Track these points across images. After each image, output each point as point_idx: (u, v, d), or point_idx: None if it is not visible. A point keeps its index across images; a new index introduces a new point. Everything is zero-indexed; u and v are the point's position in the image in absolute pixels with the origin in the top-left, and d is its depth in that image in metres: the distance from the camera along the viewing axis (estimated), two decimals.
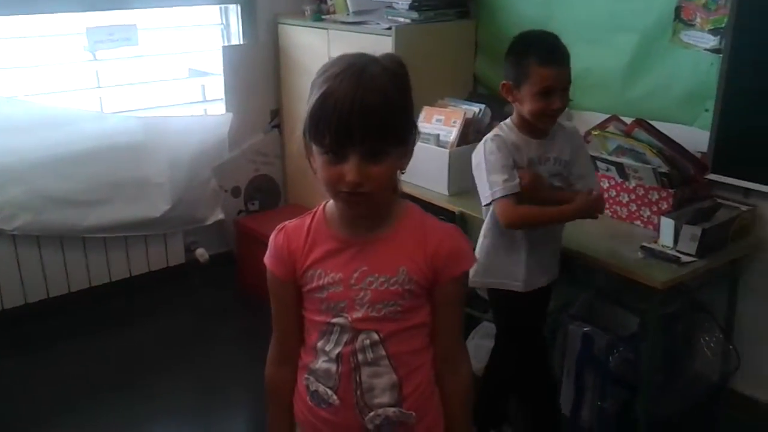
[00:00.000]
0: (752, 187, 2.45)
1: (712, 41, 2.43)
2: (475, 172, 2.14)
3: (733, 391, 2.68)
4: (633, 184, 2.54)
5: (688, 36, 2.50)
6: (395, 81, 1.24)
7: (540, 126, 2.08)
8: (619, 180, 2.58)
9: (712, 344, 2.65)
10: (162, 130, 3.43)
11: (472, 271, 1.99)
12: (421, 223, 1.36)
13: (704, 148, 2.51)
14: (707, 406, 2.68)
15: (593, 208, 2.12)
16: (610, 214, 2.63)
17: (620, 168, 2.55)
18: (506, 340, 2.35)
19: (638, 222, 2.57)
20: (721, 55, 2.40)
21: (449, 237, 1.35)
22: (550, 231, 2.19)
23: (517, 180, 2.04)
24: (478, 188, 2.14)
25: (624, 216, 2.61)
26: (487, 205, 2.12)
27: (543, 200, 2.08)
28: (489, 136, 2.12)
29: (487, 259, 2.20)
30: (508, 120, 2.14)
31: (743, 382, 2.66)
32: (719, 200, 2.50)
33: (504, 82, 2.06)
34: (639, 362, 2.46)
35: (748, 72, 2.34)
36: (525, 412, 2.53)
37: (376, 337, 1.33)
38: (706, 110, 2.48)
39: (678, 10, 2.51)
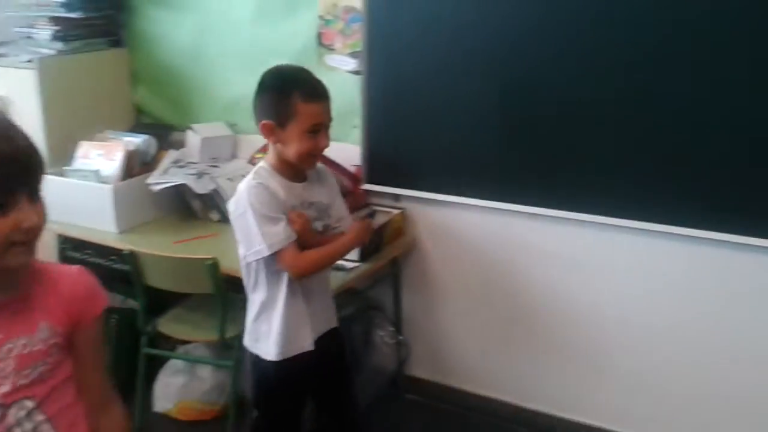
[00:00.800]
0: (401, 193, 2.76)
1: (352, 63, 2.68)
2: (236, 223, 1.92)
3: (408, 376, 2.99)
4: None
5: (332, 59, 2.73)
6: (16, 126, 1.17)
7: (305, 167, 1.95)
8: None
9: (386, 338, 2.92)
10: None
11: (248, 339, 2.03)
12: (44, 270, 1.26)
13: (358, 161, 2.76)
14: (390, 393, 2.95)
15: (366, 234, 2.08)
16: None
17: None
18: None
19: None
20: (361, 76, 2.66)
21: (81, 277, 1.30)
22: (323, 273, 2.07)
23: (290, 226, 1.88)
24: (242, 240, 1.92)
25: None
26: (258, 259, 1.90)
27: (312, 245, 1.94)
28: (249, 183, 1.89)
29: (264, 322, 1.98)
30: (263, 163, 1.95)
31: (416, 367, 2.97)
32: (375, 207, 2.77)
33: (265, 121, 1.86)
34: None
35: (383, 90, 2.64)
36: None
37: (30, 404, 1.22)
38: (355, 127, 2.73)
39: (320, 36, 2.73)
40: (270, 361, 1.97)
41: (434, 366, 2.94)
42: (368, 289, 2.78)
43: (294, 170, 1.94)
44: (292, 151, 1.87)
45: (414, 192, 2.72)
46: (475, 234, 2.69)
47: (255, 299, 1.99)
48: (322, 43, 2.73)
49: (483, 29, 2.40)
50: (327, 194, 2.04)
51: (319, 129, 1.87)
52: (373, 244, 2.55)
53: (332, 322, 2.11)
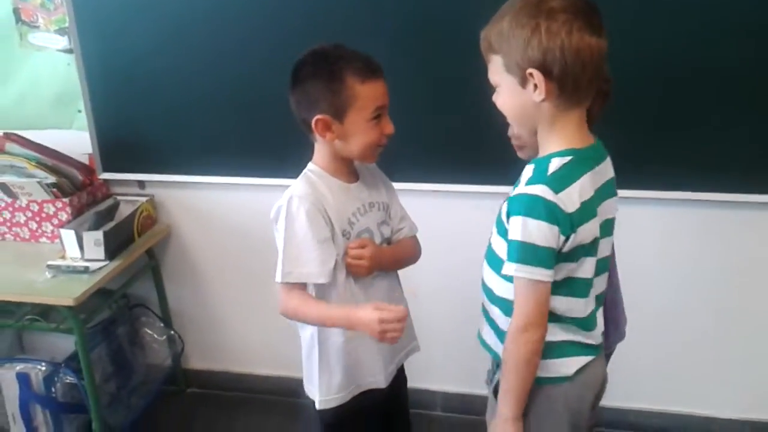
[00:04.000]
0: (146, 179, 2.52)
1: (61, 41, 2.35)
2: (278, 232, 1.55)
3: (186, 369, 2.80)
4: (24, 201, 2.36)
5: (37, 38, 2.37)
6: None
7: (369, 162, 1.62)
8: (9, 200, 2.37)
9: (156, 335, 2.70)
10: None
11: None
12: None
13: (89, 149, 2.47)
14: (171, 390, 2.76)
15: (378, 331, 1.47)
16: (13, 237, 2.42)
17: (5, 187, 2.34)
18: None
19: (45, 239, 2.41)
20: (74, 55, 2.35)
21: None
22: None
23: (332, 262, 1.52)
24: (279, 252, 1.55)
25: (28, 237, 2.42)
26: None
27: (386, 266, 1.64)
28: (298, 190, 1.52)
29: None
30: (311, 165, 1.59)
31: (194, 359, 2.80)
32: (119, 197, 2.51)
33: (319, 116, 1.48)
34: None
35: (104, 68, 2.35)
36: None
37: None
38: (79, 111, 2.42)
39: (17, 11, 2.35)
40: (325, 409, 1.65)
41: (212, 355, 2.77)
42: (126, 286, 2.53)
43: (349, 168, 1.61)
44: (356, 145, 1.52)
45: (161, 176, 2.49)
46: (233, 213, 2.53)
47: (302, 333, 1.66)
48: (23, 20, 2.36)
49: None
50: (385, 191, 1.69)
51: (383, 112, 1.52)
52: (122, 238, 2.32)
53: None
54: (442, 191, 2.26)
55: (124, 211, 2.44)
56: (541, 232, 1.26)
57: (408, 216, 1.72)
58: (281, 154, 2.32)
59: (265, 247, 2.55)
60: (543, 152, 1.35)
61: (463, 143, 2.18)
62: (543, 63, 1.24)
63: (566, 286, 1.34)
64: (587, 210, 1.30)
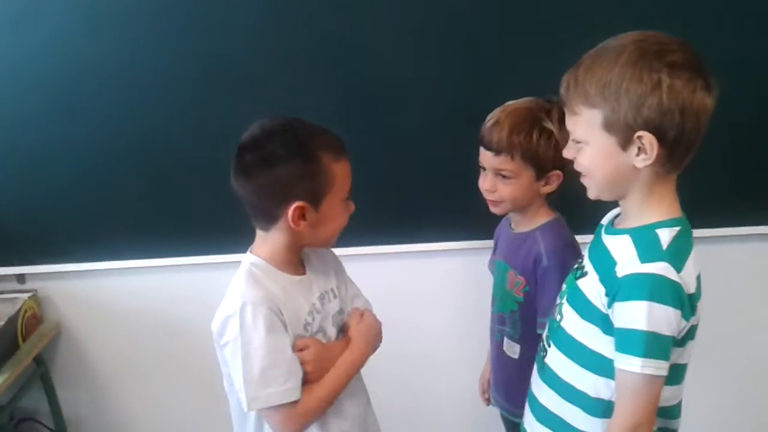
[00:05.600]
0: (26, 271, 2.19)
1: None
2: (227, 348, 1.29)
3: None
4: None
5: None
6: None
7: (328, 247, 1.43)
8: None
9: None
10: None
11: None
12: None
13: None
14: None
15: (374, 329, 1.44)
16: None
17: None
18: None
19: None
20: None
21: None
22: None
23: (300, 374, 1.29)
24: (233, 373, 1.30)
25: None
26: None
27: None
28: (246, 293, 1.27)
29: None
30: (253, 258, 1.33)
31: None
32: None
33: (298, 203, 1.26)
34: None
35: None
36: None
37: None
38: None
39: None
40: None
41: None
42: (14, 402, 2.16)
43: (298, 258, 1.38)
44: (327, 231, 1.34)
45: (44, 267, 2.17)
46: (130, 302, 2.25)
47: None
48: None
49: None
50: (334, 272, 1.46)
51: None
52: (6, 344, 1.99)
53: None
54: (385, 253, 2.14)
55: (3, 312, 2.10)
56: (667, 320, 1.10)
57: (360, 292, 1.53)
58: (189, 231, 2.12)
59: (169, 336, 2.33)
60: (636, 222, 1.19)
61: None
62: (659, 125, 1.08)
63: (670, 374, 1.16)
64: (700, 288, 1.17)
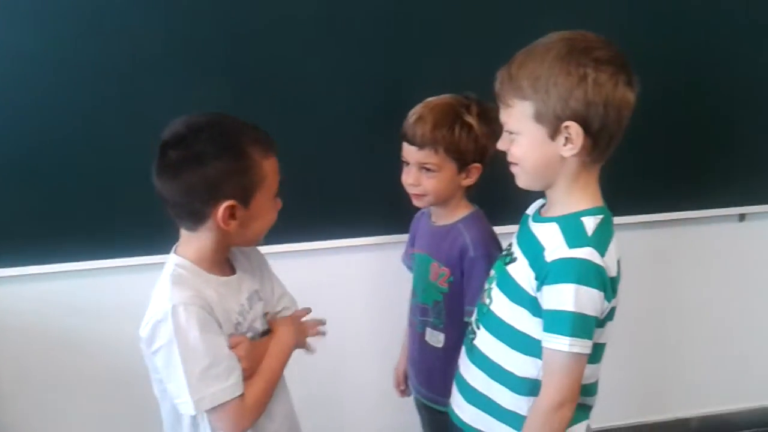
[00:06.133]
0: None
1: None
2: (160, 354, 1.25)
3: None
4: None
5: None
6: None
7: (255, 245, 1.44)
8: None
9: None
10: None
11: None
12: None
13: None
14: None
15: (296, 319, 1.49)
16: None
17: None
18: None
19: None
20: None
21: None
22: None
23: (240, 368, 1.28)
24: (168, 378, 1.27)
25: None
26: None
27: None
28: (174, 296, 1.22)
29: None
30: (179, 260, 1.29)
31: None
32: None
33: (228, 203, 1.23)
34: None
35: None
36: None
37: None
38: None
39: None
40: None
41: None
42: None
43: (225, 257, 1.37)
44: (256, 230, 1.32)
45: None
46: (29, 313, 2.10)
47: None
48: None
49: None
50: (260, 271, 1.46)
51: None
52: None
53: None
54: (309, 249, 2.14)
55: None
56: (592, 301, 1.17)
57: (286, 290, 1.53)
58: (90, 231, 2.00)
59: (67, 347, 2.18)
60: (562, 210, 1.26)
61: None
62: (584, 116, 1.16)
63: (591, 353, 1.24)
64: (620, 272, 1.25)
